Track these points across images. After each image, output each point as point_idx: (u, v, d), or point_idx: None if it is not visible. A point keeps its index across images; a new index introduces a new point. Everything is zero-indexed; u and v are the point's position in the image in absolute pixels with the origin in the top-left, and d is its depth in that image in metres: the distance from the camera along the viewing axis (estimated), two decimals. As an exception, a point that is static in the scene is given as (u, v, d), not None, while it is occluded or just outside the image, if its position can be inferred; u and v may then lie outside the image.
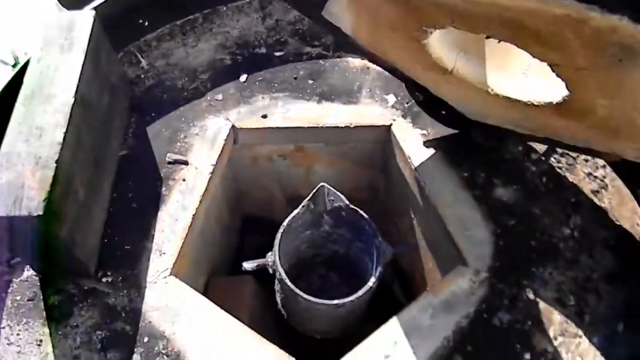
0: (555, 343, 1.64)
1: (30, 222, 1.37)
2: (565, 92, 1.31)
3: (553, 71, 1.22)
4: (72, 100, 1.56)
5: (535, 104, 1.44)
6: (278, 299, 2.15)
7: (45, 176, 1.42)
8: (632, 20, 0.93)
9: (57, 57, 1.66)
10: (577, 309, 1.71)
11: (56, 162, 1.44)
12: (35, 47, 1.75)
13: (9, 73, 1.82)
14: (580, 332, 1.67)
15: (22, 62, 1.93)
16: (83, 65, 1.64)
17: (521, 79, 1.56)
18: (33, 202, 1.37)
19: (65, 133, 1.50)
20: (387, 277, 2.71)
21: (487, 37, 1.31)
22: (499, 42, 1.51)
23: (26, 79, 1.63)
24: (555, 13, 1.03)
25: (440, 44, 1.57)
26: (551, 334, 1.66)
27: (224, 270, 2.52)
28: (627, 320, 1.69)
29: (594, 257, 1.79)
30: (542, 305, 1.70)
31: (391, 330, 1.64)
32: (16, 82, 1.70)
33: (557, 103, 1.37)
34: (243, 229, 2.74)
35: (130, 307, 1.67)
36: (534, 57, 1.23)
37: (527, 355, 1.61)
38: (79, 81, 1.61)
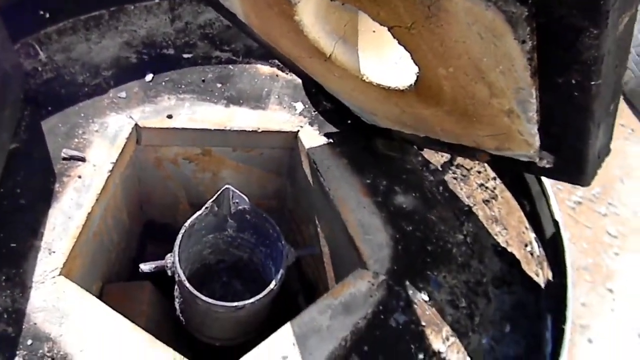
0: (448, 343, 1.71)
1: None
2: (416, 69, 1.41)
3: (395, 38, 1.30)
4: (-44, 82, 1.46)
5: (401, 89, 1.52)
6: (177, 305, 2.08)
7: None
8: None
9: (-60, 37, 1.54)
10: (468, 310, 1.79)
11: None
12: None
13: None
14: (470, 333, 1.75)
15: None
16: (-30, 47, 1.54)
17: (392, 67, 1.65)
18: None
19: (-55, 116, 1.39)
20: (292, 287, 2.71)
21: (334, 0, 1.38)
22: (374, 31, 1.63)
23: None
24: None
25: (317, 28, 1.63)
26: (444, 334, 1.72)
27: (122, 277, 2.40)
28: (513, 322, 1.80)
29: (484, 262, 1.89)
30: (435, 307, 1.76)
31: (290, 332, 1.63)
32: None
33: (415, 84, 1.47)
34: (144, 235, 2.64)
35: (14, 308, 1.55)
36: (375, 19, 1.30)
37: (421, 355, 1.66)
38: (-35, 63, 1.50)
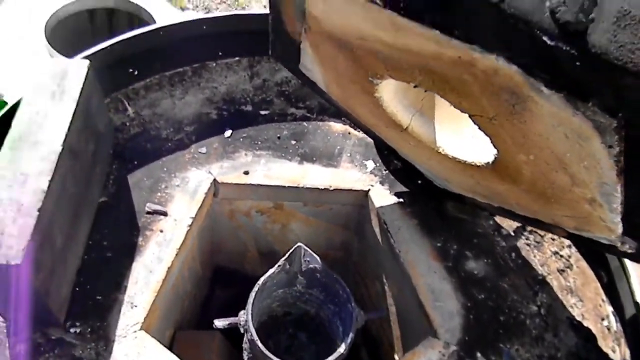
0: (519, 421, 1.67)
1: (7, 270, 1.35)
2: (495, 151, 1.41)
3: (475, 124, 1.31)
4: (60, 149, 1.57)
5: (478, 164, 1.53)
6: (245, 358, 2.12)
7: (26, 224, 1.41)
8: (507, 60, 1.01)
9: (47, 104, 1.67)
10: (541, 387, 1.75)
11: (39, 211, 1.44)
12: (24, 90, 1.77)
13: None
14: (543, 411, 1.70)
15: (7, 102, 1.94)
16: (74, 115, 1.66)
17: (469, 142, 1.66)
18: (11, 251, 1.35)
19: (50, 181, 1.50)
20: (355, 340, 2.71)
21: (415, 86, 1.42)
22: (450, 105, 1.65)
23: (14, 123, 1.63)
24: (449, 55, 1.14)
25: (395, 102, 1.67)
26: (515, 411, 1.69)
27: (192, 321, 2.48)
28: (588, 401, 1.74)
29: (559, 336, 1.85)
30: (507, 381, 1.73)
31: (359, 399, 1.64)
32: (3, 123, 1.71)
33: (492, 163, 1.47)
34: (213, 279, 2.72)
35: (97, 361, 1.64)
36: (455, 107, 1.33)
37: None
38: (68, 130, 1.62)
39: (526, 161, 1.30)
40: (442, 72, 1.19)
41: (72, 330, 1.68)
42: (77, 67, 1.79)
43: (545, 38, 0.87)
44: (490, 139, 1.34)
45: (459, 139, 1.65)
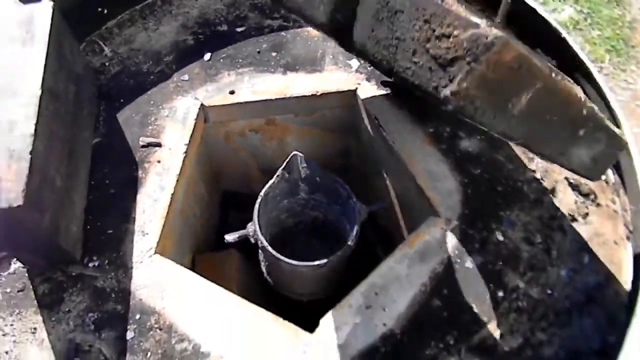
0: (526, 278, 1.74)
1: (11, 213, 1.41)
2: None
3: None
4: (39, 92, 1.59)
5: None
6: (263, 268, 2.22)
7: (21, 168, 1.45)
8: None
9: (19, 51, 1.68)
10: (545, 246, 1.80)
11: (30, 154, 1.48)
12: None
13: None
14: (548, 267, 1.77)
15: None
16: (46, 57, 1.66)
17: None
18: (12, 194, 1.41)
19: (36, 125, 1.54)
20: (369, 238, 2.80)
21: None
22: None
23: (-9, 75, 1.65)
24: None
25: None
26: (521, 270, 1.75)
27: (209, 246, 2.58)
28: (591, 252, 1.80)
29: (557, 197, 1.89)
30: (510, 245, 1.79)
31: (371, 283, 1.72)
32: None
33: None
34: (224, 205, 2.80)
35: (119, 288, 1.73)
36: None
37: (500, 293, 1.71)
38: (44, 73, 1.63)
39: None
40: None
41: (90, 264, 1.77)
42: (42, 11, 1.78)
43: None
44: None
45: None
